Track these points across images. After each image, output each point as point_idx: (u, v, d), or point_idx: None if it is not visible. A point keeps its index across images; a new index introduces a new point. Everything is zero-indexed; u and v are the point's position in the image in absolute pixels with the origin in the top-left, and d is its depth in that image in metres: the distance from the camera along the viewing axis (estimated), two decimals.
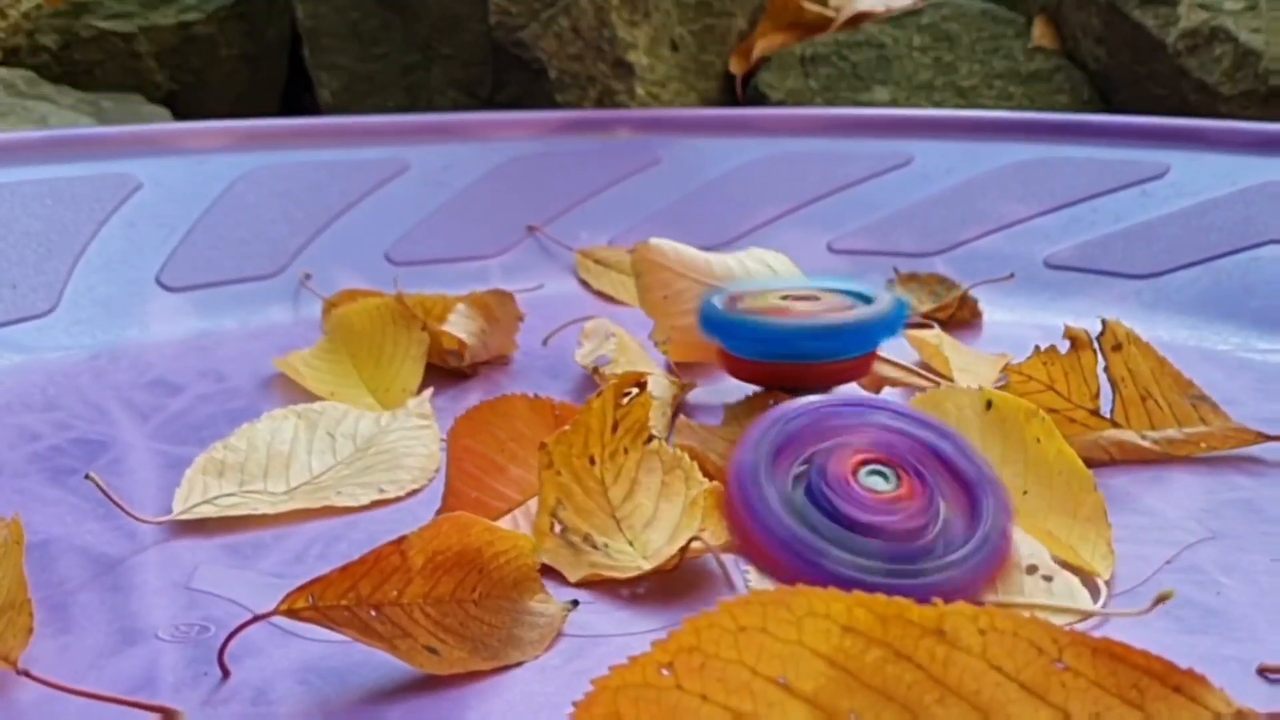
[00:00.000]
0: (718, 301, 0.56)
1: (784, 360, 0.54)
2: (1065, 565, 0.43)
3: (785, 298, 0.56)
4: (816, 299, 0.55)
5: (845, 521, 0.38)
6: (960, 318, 0.73)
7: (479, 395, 0.63)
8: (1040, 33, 1.14)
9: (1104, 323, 0.54)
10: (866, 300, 0.55)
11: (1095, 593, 0.42)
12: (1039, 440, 0.46)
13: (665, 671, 0.28)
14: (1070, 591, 0.41)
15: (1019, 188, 0.85)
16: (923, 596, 0.33)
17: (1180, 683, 0.28)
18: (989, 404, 0.47)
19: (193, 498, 0.49)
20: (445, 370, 0.65)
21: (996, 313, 0.74)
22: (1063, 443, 0.46)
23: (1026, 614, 0.29)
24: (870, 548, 0.37)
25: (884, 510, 0.38)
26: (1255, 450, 0.55)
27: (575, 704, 0.28)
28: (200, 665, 0.39)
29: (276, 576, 0.44)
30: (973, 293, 0.74)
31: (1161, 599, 0.36)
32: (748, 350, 0.55)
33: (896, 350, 0.66)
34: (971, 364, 0.62)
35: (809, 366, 0.54)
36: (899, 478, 0.39)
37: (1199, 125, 0.86)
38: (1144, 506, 0.50)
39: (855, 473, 0.39)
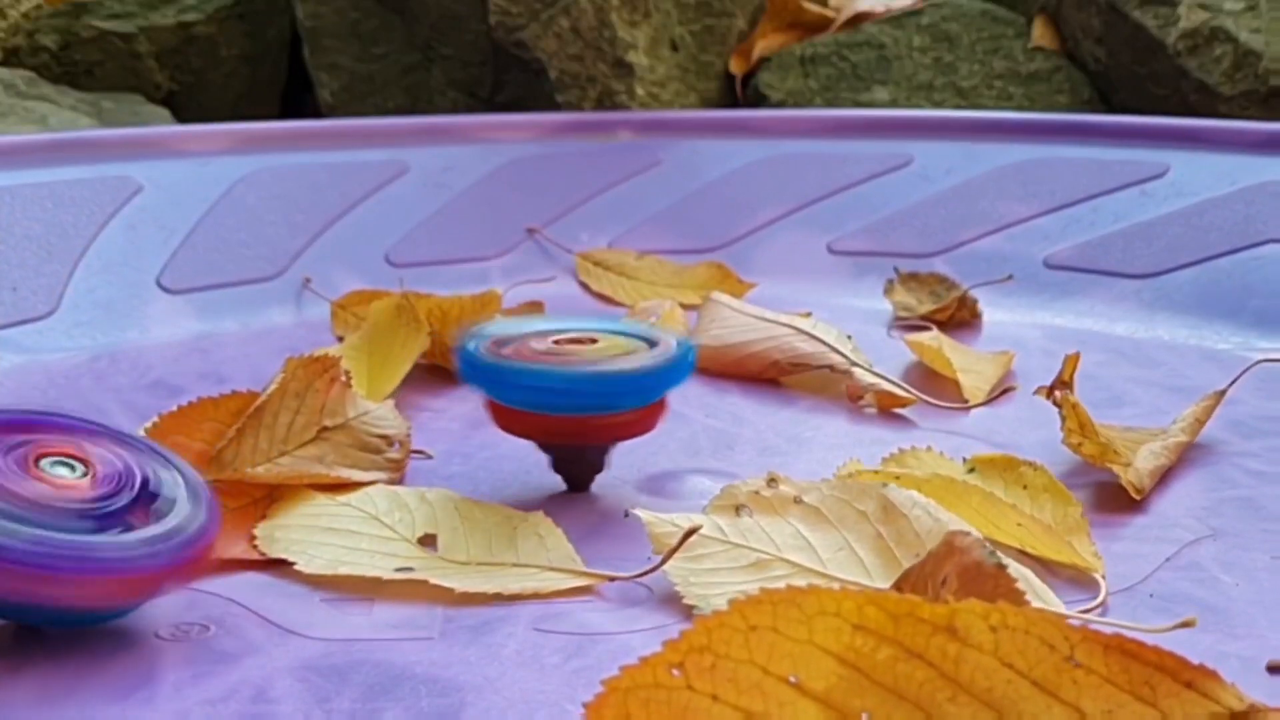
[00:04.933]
0: (478, 344, 0.49)
1: (559, 413, 0.48)
2: (1063, 566, 0.44)
3: (558, 341, 0.50)
4: (594, 341, 0.50)
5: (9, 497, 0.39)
6: (960, 318, 0.73)
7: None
8: (1040, 33, 1.14)
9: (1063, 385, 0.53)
10: (650, 344, 0.50)
11: (1095, 590, 0.42)
12: (1025, 485, 0.48)
13: (676, 672, 0.28)
14: (1025, 581, 0.41)
15: (1019, 188, 0.85)
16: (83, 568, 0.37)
17: (1192, 678, 0.28)
18: (971, 469, 0.49)
19: None
20: (448, 372, 0.65)
21: (996, 313, 0.74)
22: (1048, 475, 0.48)
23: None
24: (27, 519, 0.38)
25: (59, 490, 0.39)
26: (1255, 448, 0.55)
27: (586, 705, 0.28)
28: (200, 664, 0.39)
29: (277, 576, 0.44)
30: (972, 293, 0.74)
31: (1185, 624, 0.37)
32: (515, 400, 0.49)
33: (890, 356, 0.66)
34: (973, 364, 0.63)
35: (587, 420, 0.49)
36: (87, 470, 0.40)
37: (1198, 125, 0.86)
38: (1144, 505, 0.50)
39: (35, 462, 0.40)
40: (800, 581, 0.40)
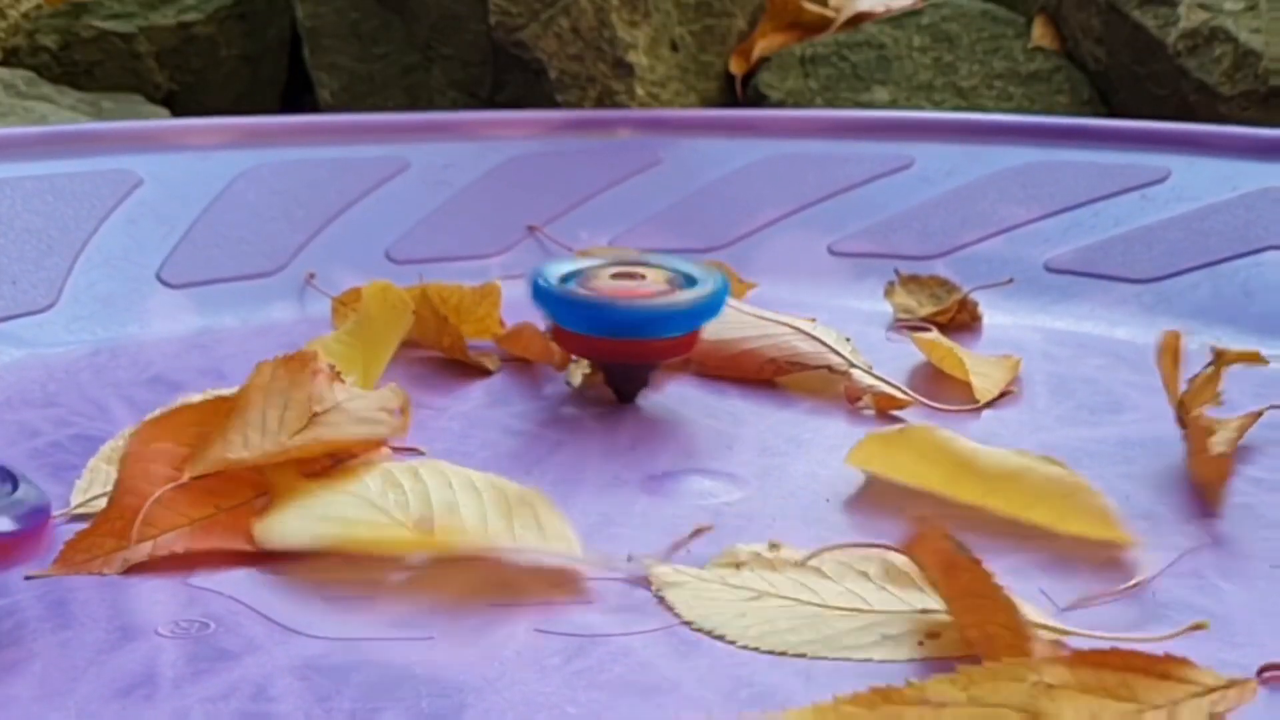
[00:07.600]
0: (548, 276, 0.60)
1: (608, 337, 0.59)
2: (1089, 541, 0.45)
3: (616, 275, 0.61)
4: (643, 277, 0.60)
5: None
6: (960, 321, 0.73)
7: (482, 394, 0.63)
8: (1040, 33, 1.14)
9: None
10: (693, 282, 0.60)
11: (1132, 569, 0.42)
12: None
13: None
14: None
15: (1019, 191, 0.85)
16: None
17: (1166, 670, 0.29)
18: None
19: (94, 489, 0.50)
20: (467, 366, 0.65)
21: (996, 316, 0.74)
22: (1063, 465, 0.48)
23: None
24: None
25: None
26: (1255, 456, 0.55)
27: None
28: (200, 662, 0.39)
29: (277, 573, 0.44)
30: (973, 296, 0.74)
31: (1197, 627, 0.37)
32: (577, 326, 0.60)
33: (889, 358, 0.66)
34: (979, 367, 0.62)
35: (630, 343, 0.59)
36: None
37: (1199, 130, 0.86)
38: (1144, 511, 0.50)
39: None
40: (799, 611, 0.40)
